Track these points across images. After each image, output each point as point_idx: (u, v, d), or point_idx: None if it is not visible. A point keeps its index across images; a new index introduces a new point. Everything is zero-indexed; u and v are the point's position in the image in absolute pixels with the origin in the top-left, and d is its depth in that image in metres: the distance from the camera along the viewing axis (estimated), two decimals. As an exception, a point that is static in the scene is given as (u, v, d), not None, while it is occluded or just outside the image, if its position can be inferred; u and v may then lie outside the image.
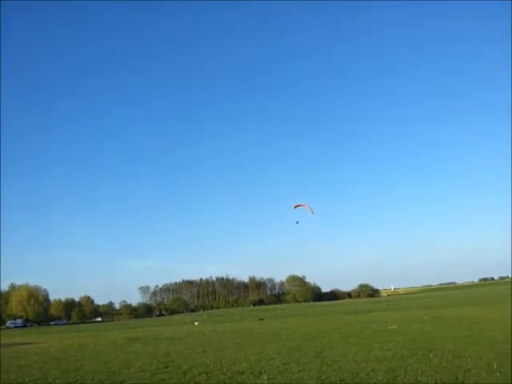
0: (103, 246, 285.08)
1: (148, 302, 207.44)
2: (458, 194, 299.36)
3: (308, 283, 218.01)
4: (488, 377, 9.23)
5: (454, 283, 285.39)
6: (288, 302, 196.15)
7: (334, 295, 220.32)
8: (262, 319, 50.41)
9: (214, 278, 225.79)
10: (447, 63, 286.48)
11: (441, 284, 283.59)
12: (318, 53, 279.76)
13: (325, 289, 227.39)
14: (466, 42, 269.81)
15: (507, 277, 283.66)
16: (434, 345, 14.69)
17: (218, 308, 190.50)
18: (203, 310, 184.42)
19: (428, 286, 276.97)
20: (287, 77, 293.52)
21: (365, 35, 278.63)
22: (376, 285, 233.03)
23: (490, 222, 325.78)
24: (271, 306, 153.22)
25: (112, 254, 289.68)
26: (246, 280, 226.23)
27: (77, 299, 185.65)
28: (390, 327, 23.32)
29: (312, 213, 28.28)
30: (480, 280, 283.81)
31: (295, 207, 28.18)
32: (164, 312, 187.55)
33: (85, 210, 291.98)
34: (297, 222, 28.58)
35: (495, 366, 10.26)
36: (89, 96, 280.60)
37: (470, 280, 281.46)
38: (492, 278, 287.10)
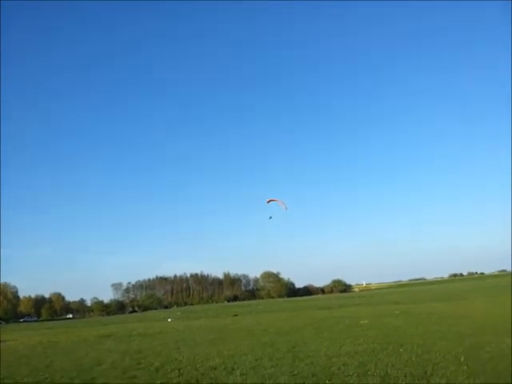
0: (75, 242, 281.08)
1: (120, 299, 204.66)
2: (428, 191, 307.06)
3: (282, 279, 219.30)
4: (455, 370, 9.50)
5: (424, 279, 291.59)
6: (262, 298, 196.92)
7: (307, 291, 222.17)
8: (236, 315, 50.43)
9: (188, 275, 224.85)
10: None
11: (411, 280, 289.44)
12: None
13: (298, 284, 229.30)
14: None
15: (476, 273, 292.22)
16: (404, 339, 15.02)
17: (192, 304, 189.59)
18: (177, 306, 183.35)
19: (399, 281, 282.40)
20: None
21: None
22: (349, 280, 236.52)
23: (463, 220, 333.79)
24: (245, 302, 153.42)
25: (84, 250, 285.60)
26: (221, 276, 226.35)
27: (47, 296, 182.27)
28: (361, 322, 23.72)
29: (286, 209, 27.94)
30: (450, 276, 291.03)
31: (268, 202, 27.73)
32: (137, 309, 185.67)
33: (56, 206, 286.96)
34: (270, 217, 28.08)
35: (462, 359, 10.57)
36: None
37: (440, 276, 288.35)
38: (461, 274, 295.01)
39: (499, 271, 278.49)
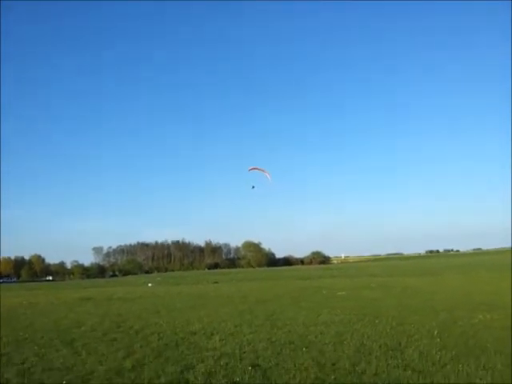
0: (56, 205, 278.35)
1: (101, 263, 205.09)
2: (408, 167, 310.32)
3: (263, 249, 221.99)
4: (429, 343, 9.79)
5: (401, 254, 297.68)
6: (243, 267, 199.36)
7: (287, 261, 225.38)
8: (216, 282, 51.05)
9: (170, 242, 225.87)
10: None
11: (388, 254, 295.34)
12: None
13: (279, 255, 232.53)
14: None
15: (452, 250, 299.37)
16: (379, 311, 15.40)
17: (172, 271, 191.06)
18: (158, 272, 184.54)
19: (376, 255, 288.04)
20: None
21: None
22: (328, 253, 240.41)
23: (440, 197, 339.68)
24: (226, 270, 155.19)
25: (65, 214, 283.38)
26: (202, 244, 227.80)
27: (27, 257, 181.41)
28: (339, 293, 24.22)
29: (270, 178, 26.98)
30: (426, 252, 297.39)
31: (250, 170, 26.60)
32: (117, 273, 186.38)
33: (37, 168, 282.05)
34: (253, 187, 27.05)
35: (436, 332, 10.90)
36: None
37: (417, 252, 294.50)
38: (437, 251, 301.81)
39: (474, 249, 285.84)
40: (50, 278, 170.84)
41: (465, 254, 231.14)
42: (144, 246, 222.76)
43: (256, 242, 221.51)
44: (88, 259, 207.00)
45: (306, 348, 9.75)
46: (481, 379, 7.05)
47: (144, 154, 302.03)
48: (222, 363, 8.69)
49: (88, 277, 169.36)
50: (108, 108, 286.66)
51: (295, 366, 8.29)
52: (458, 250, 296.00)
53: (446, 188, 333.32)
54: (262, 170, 27.12)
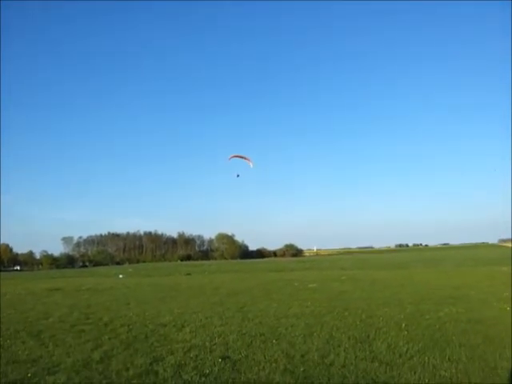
0: (24, 193, 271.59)
1: (71, 253, 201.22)
2: (379, 163, 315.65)
3: (236, 241, 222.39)
4: (396, 335, 9.99)
5: (372, 248, 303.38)
6: (216, 259, 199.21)
7: (260, 254, 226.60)
8: (188, 274, 50.85)
9: (142, 233, 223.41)
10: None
11: (360, 248, 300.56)
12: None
13: (252, 247, 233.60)
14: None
15: (420, 244, 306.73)
16: (349, 304, 15.62)
17: (144, 262, 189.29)
18: (129, 263, 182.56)
19: (348, 248, 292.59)
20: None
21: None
22: (300, 245, 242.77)
23: (410, 194, 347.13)
24: (199, 262, 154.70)
25: (34, 202, 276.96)
26: (175, 236, 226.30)
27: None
28: (310, 285, 24.47)
29: (252, 166, 26.02)
30: (396, 246, 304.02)
31: (231, 158, 25.62)
32: (87, 263, 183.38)
33: (3, 155, 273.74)
34: (237, 176, 26.25)
35: (403, 325, 11.14)
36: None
37: (387, 245, 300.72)
38: (407, 245, 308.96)
39: (442, 244, 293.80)
40: (18, 268, 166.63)
41: (433, 249, 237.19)
42: (115, 237, 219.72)
43: (230, 234, 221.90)
44: (57, 249, 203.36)
45: (276, 340, 9.81)
46: (445, 371, 7.23)
47: (118, 143, 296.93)
48: (191, 355, 8.66)
49: (57, 267, 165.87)
50: (80, 95, 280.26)
51: (265, 357, 8.34)
52: (426, 245, 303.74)
53: (416, 185, 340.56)
54: (244, 158, 26.14)
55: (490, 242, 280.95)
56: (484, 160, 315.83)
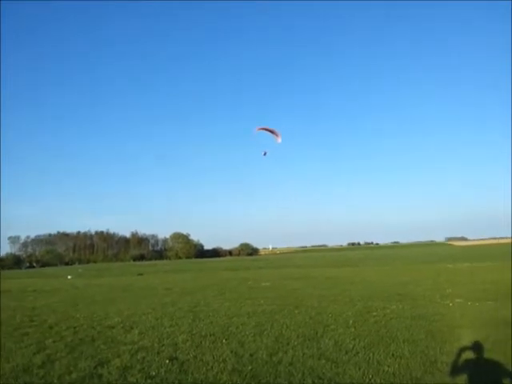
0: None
1: (17, 253, 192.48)
2: (336, 163, 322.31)
3: (191, 240, 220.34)
4: (343, 332, 10.19)
5: (326, 246, 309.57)
6: (170, 259, 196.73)
7: (216, 253, 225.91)
8: (140, 274, 49.88)
9: (93, 232, 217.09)
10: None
11: (314, 246, 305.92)
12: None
13: (207, 247, 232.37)
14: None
15: (372, 243, 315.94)
16: (300, 301, 15.83)
17: (95, 262, 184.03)
18: (79, 263, 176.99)
19: (303, 247, 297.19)
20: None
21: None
22: (256, 244, 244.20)
23: (361, 194, 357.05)
24: (152, 262, 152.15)
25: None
26: (128, 235, 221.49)
27: None
28: (263, 284, 24.63)
29: (279, 141, 21.57)
30: (348, 244, 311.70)
31: (258, 130, 21.58)
32: (35, 264, 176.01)
33: None
34: (264, 154, 22.18)
35: (351, 322, 11.39)
36: None
37: (340, 244, 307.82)
38: (359, 243, 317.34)
39: (392, 242, 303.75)
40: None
41: (383, 247, 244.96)
42: (65, 236, 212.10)
43: (185, 233, 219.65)
44: (3, 249, 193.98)
45: (226, 339, 9.77)
46: (389, 366, 7.43)
47: (68, 140, 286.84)
48: (138, 357, 8.46)
49: (2, 268, 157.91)
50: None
51: (214, 357, 8.28)
52: (377, 243, 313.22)
53: (367, 186, 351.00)
54: (272, 131, 22.24)
55: (437, 241, 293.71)
56: (433, 161, 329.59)
